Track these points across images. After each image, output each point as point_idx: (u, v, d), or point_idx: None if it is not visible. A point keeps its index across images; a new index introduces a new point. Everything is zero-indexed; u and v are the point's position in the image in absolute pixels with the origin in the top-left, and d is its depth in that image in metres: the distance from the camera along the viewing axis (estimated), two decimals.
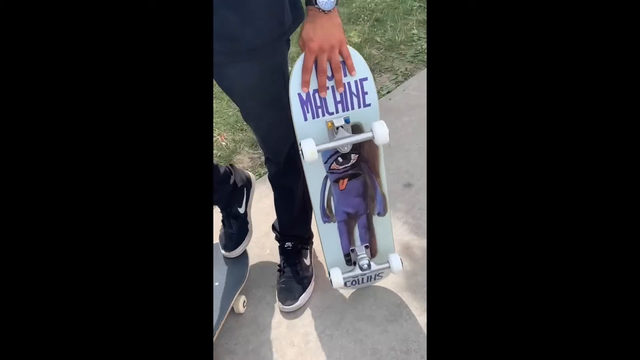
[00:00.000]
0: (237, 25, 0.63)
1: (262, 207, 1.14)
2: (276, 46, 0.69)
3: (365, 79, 0.67)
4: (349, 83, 0.67)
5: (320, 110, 0.67)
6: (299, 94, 0.66)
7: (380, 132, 0.64)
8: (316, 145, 0.65)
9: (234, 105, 1.57)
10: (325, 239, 0.85)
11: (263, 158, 1.07)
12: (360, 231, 0.87)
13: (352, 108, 0.69)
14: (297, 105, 0.66)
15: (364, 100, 0.69)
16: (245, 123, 1.17)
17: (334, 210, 0.82)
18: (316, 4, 0.61)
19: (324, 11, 0.62)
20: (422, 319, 0.88)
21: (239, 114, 1.46)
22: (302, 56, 0.65)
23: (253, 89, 0.73)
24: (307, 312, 0.93)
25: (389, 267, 0.86)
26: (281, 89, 0.70)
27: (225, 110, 1.73)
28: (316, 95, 0.67)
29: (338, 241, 0.87)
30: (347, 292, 0.95)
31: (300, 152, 0.66)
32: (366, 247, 0.88)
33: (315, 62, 0.64)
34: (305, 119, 0.68)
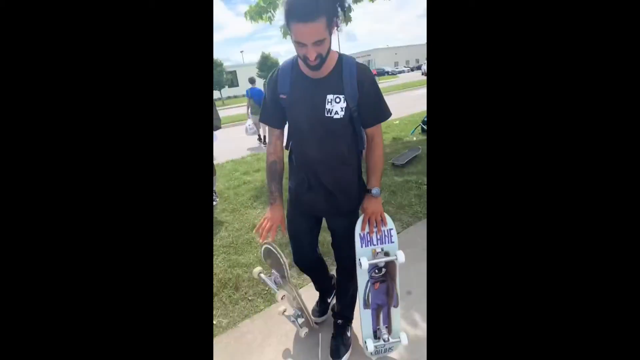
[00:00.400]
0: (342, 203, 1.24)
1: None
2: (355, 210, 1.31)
3: (392, 229, 1.31)
4: (383, 230, 1.29)
5: (369, 243, 1.29)
6: (360, 233, 1.28)
7: (400, 257, 1.26)
8: (367, 260, 1.26)
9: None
10: (364, 319, 1.37)
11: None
12: (383, 317, 1.39)
13: (385, 243, 1.30)
14: (358, 239, 1.28)
15: (390, 239, 1.31)
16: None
17: (370, 302, 1.36)
18: (371, 193, 1.21)
19: (374, 197, 1.23)
20: None
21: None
22: (361, 216, 1.27)
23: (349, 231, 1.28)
24: None
25: (400, 341, 1.35)
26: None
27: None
28: (367, 235, 1.29)
29: (370, 322, 1.38)
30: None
31: (358, 262, 1.27)
32: (386, 327, 1.39)
33: (368, 220, 1.27)
34: (362, 247, 1.28)
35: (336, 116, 1.07)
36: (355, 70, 1.06)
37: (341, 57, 1.08)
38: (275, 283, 1.46)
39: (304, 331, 1.46)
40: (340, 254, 1.40)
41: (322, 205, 1.24)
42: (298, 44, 0.94)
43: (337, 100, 1.06)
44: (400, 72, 37.15)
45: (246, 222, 2.96)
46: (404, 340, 1.35)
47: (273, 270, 1.48)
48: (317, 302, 1.74)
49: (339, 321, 1.49)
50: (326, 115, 1.08)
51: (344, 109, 1.07)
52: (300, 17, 0.87)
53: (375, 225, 1.24)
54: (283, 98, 1.12)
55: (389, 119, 1.17)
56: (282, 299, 1.38)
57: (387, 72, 36.21)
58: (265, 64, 23.84)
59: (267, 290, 2.02)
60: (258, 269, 1.56)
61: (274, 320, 1.78)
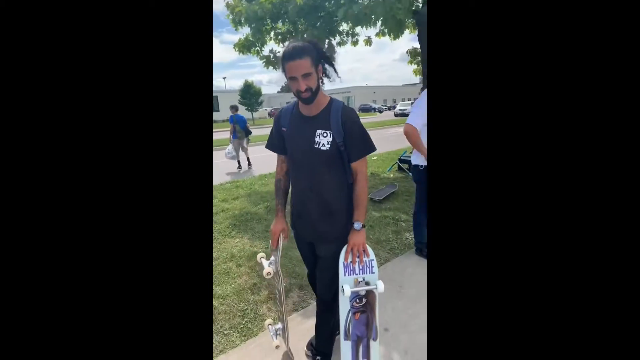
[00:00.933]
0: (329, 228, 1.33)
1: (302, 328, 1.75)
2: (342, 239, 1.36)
3: (373, 260, 1.36)
4: (365, 261, 1.35)
5: (352, 272, 1.33)
6: (344, 263, 1.32)
7: (380, 286, 1.29)
8: (350, 288, 1.29)
9: (294, 259, 2.51)
10: (344, 352, 1.38)
11: (304, 297, 1.85)
12: (362, 350, 1.40)
13: (366, 273, 1.35)
14: (342, 267, 1.32)
15: (371, 270, 1.36)
16: (298, 272, 2.14)
17: (350, 333, 1.37)
18: (354, 227, 1.29)
19: (357, 230, 1.30)
20: None
21: (296, 264, 2.51)
22: (345, 247, 1.32)
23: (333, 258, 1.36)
24: None
25: None
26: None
27: (287, 264, 2.60)
28: (350, 264, 1.33)
29: (350, 355, 1.38)
30: None
31: (341, 289, 1.28)
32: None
33: (351, 250, 1.32)
34: (344, 275, 1.32)
35: (323, 148, 1.25)
36: (341, 111, 1.25)
37: (332, 100, 1.29)
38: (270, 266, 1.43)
39: (276, 343, 1.48)
40: (323, 282, 1.44)
41: (309, 231, 1.39)
42: (291, 79, 1.17)
43: (325, 134, 1.26)
44: (385, 109, 38.27)
45: (224, 252, 2.90)
46: None
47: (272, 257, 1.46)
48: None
49: (318, 357, 1.51)
50: (314, 146, 1.26)
51: (330, 143, 1.25)
52: (290, 57, 1.13)
53: (358, 255, 1.31)
54: (284, 130, 1.35)
55: (371, 153, 1.31)
56: (267, 275, 1.38)
57: (374, 109, 37.04)
58: (248, 91, 24.12)
59: (243, 324, 1.96)
60: (261, 254, 1.55)
61: (251, 356, 1.72)
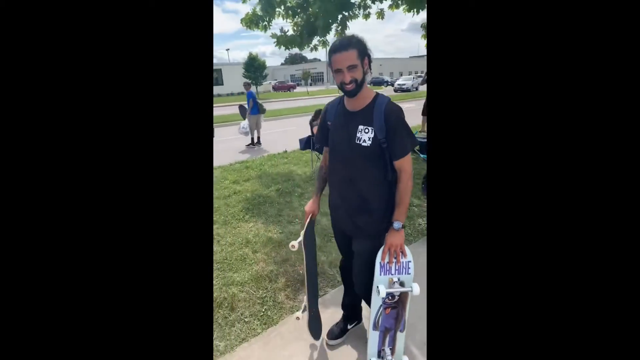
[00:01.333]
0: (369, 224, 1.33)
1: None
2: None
3: (410, 261, 1.34)
4: (402, 262, 1.32)
5: (388, 272, 1.31)
6: (380, 263, 1.30)
7: (415, 289, 1.27)
8: (385, 289, 1.27)
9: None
10: (371, 339, 1.41)
11: (321, 285, 1.98)
12: (389, 339, 1.43)
13: (402, 273, 1.33)
14: (378, 267, 1.30)
15: (407, 270, 1.33)
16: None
17: (379, 325, 1.38)
18: (393, 226, 1.26)
19: (396, 230, 1.27)
20: None
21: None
22: (383, 247, 1.29)
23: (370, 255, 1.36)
24: None
25: None
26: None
27: (302, 250, 2.52)
28: (387, 264, 1.30)
29: (377, 342, 1.41)
30: None
31: (376, 289, 1.27)
32: (390, 349, 1.43)
33: (388, 250, 1.29)
34: (380, 274, 1.31)
35: (364, 144, 1.24)
36: (385, 106, 1.22)
37: (377, 96, 1.27)
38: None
39: (297, 314, 1.62)
40: (358, 279, 1.45)
41: (346, 223, 1.41)
42: (336, 72, 1.18)
43: (367, 130, 1.24)
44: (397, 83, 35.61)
45: (239, 237, 2.88)
46: None
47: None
48: (337, 323, 1.75)
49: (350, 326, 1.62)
50: (356, 142, 1.25)
51: (371, 139, 1.23)
52: (337, 49, 1.16)
53: (395, 256, 1.29)
54: (328, 124, 1.37)
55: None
56: (292, 247, 1.42)
57: (386, 82, 33.24)
58: (252, 65, 22.97)
59: (263, 312, 1.96)
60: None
61: (272, 344, 1.72)
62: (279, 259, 2.50)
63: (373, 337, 1.41)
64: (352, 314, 1.74)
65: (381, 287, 1.27)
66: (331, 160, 1.38)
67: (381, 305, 1.36)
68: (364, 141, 1.23)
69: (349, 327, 1.74)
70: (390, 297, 1.35)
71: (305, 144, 4.65)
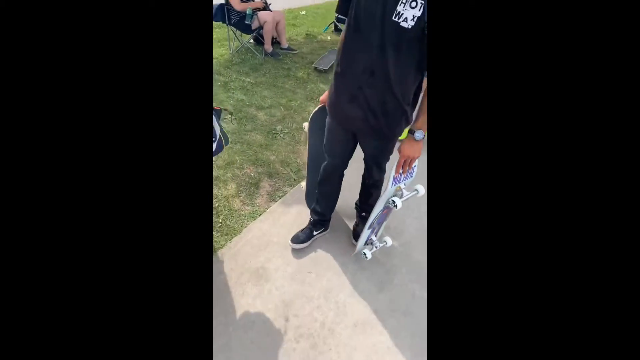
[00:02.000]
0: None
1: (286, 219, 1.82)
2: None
3: (415, 165, 1.30)
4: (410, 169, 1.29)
5: (397, 182, 1.29)
6: (394, 175, 1.24)
7: (421, 190, 1.32)
8: (400, 199, 1.28)
9: (254, 144, 2.02)
10: (363, 237, 1.51)
11: (277, 185, 2.02)
12: (376, 230, 1.59)
13: (407, 178, 1.32)
14: (392, 179, 1.26)
15: (411, 174, 1.32)
16: (262, 159, 2.13)
17: (375, 223, 1.48)
18: (415, 136, 1.07)
19: (416, 140, 1.08)
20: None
21: (258, 151, 2.28)
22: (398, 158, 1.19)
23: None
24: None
25: (387, 243, 1.61)
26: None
27: (247, 150, 2.22)
28: (401, 174, 1.25)
29: (367, 237, 1.53)
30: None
31: (393, 203, 1.26)
32: (375, 235, 1.61)
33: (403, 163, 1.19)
34: (391, 186, 1.28)
35: (404, 23, 0.89)
36: None
37: None
38: None
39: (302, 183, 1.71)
40: (367, 174, 1.46)
41: (359, 122, 1.16)
42: None
43: (414, 4, 0.85)
44: None
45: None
46: (389, 242, 1.61)
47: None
48: (304, 230, 1.70)
49: (363, 214, 1.64)
50: (393, 18, 0.89)
51: (416, 18, 0.87)
52: None
53: (407, 167, 1.22)
54: None
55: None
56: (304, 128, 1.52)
57: None
58: None
59: (221, 222, 1.79)
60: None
61: (241, 255, 1.66)
62: (222, 163, 2.16)
63: (365, 234, 1.49)
64: (321, 221, 1.69)
65: (398, 201, 1.25)
66: (351, 39, 1.01)
67: (382, 210, 1.40)
68: (405, 20, 0.87)
69: (314, 233, 1.68)
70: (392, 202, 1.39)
71: (215, 14, 3.23)
